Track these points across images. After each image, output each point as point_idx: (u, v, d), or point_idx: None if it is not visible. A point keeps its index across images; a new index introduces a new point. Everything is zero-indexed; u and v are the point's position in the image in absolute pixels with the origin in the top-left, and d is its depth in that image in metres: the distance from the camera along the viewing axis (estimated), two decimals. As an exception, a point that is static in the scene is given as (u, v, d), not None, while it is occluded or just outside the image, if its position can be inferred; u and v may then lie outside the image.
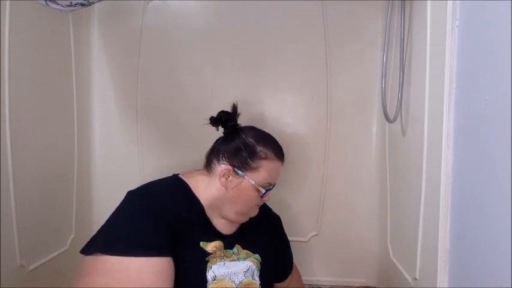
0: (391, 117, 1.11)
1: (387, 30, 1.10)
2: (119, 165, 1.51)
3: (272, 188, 0.95)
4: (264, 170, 0.91)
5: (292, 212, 1.38)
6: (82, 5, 1.00)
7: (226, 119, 0.96)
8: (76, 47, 1.35)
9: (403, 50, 1.10)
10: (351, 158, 1.47)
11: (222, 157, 0.92)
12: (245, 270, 0.90)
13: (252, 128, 0.98)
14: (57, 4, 0.98)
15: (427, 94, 0.93)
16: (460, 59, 0.79)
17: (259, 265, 0.93)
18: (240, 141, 0.93)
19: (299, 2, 1.42)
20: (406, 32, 1.11)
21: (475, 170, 0.73)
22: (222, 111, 0.97)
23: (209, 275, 0.85)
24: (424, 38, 0.94)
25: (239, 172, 0.90)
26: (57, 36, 1.27)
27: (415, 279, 0.99)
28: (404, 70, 1.09)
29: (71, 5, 0.99)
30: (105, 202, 1.49)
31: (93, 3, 1.02)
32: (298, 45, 1.45)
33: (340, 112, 1.45)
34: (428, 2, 0.93)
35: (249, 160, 0.91)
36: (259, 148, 0.92)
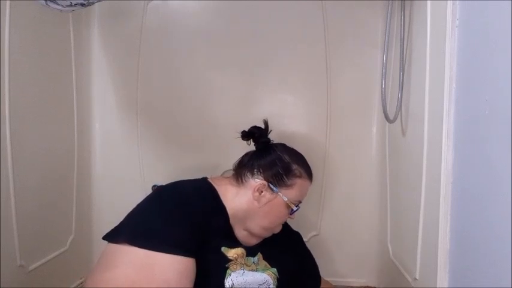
0: (391, 117, 1.11)
1: (387, 30, 1.10)
2: (119, 166, 1.50)
3: (299, 206, 0.96)
4: (297, 187, 0.93)
5: (292, 212, 1.38)
6: (82, 5, 1.00)
7: (259, 135, 0.97)
8: (76, 47, 1.35)
9: (403, 50, 1.09)
10: (351, 158, 1.47)
11: (256, 172, 0.93)
12: (261, 283, 0.89)
13: (284, 145, 0.99)
14: (57, 4, 0.98)
15: (427, 94, 0.93)
16: (460, 59, 0.79)
17: (275, 280, 0.92)
18: (275, 157, 0.94)
19: (299, 2, 1.42)
20: (406, 32, 1.11)
21: (475, 170, 0.72)
22: (255, 127, 0.99)
23: (227, 283, 0.84)
24: (424, 38, 0.94)
25: (273, 188, 0.91)
26: (57, 36, 1.27)
27: (415, 279, 0.99)
28: (404, 70, 1.09)
29: (71, 5, 0.99)
30: (105, 202, 1.49)
31: (93, 3, 1.02)
32: (298, 45, 1.45)
33: (340, 112, 1.45)
34: (428, 2, 0.93)
35: (284, 177, 0.92)
36: (294, 166, 0.94)
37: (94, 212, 1.50)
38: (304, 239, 1.44)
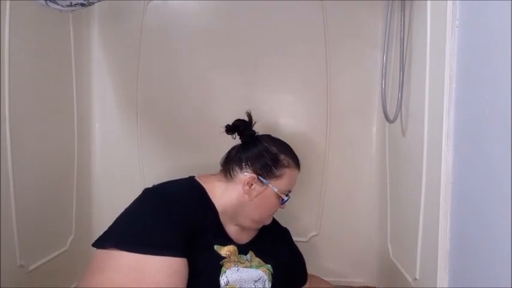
0: (391, 117, 1.11)
1: (387, 30, 1.10)
2: (119, 165, 1.51)
3: (289, 195, 0.96)
4: (286, 177, 0.93)
5: (292, 212, 1.38)
6: (82, 5, 1.00)
7: (244, 128, 0.96)
8: (76, 47, 1.35)
9: (403, 50, 1.09)
10: (351, 158, 1.47)
11: (245, 165, 0.92)
12: (256, 279, 0.89)
13: (269, 136, 0.98)
14: (57, 4, 0.98)
15: (427, 94, 0.93)
16: (460, 59, 0.79)
17: (270, 276, 0.92)
18: (262, 149, 0.93)
19: (299, 2, 1.42)
20: (406, 32, 1.11)
21: (475, 170, 0.72)
22: (239, 120, 0.97)
23: (222, 280, 0.84)
24: (424, 38, 0.94)
25: (263, 180, 0.91)
26: (57, 36, 1.27)
27: (415, 279, 0.99)
28: (404, 70, 1.09)
29: (71, 5, 0.99)
30: (105, 202, 1.50)
31: (93, 3, 1.02)
32: (298, 45, 1.45)
33: (340, 112, 1.45)
34: (428, 2, 0.93)
35: (273, 168, 0.92)
36: (282, 156, 0.93)
37: (94, 212, 1.50)
38: (304, 239, 1.45)
